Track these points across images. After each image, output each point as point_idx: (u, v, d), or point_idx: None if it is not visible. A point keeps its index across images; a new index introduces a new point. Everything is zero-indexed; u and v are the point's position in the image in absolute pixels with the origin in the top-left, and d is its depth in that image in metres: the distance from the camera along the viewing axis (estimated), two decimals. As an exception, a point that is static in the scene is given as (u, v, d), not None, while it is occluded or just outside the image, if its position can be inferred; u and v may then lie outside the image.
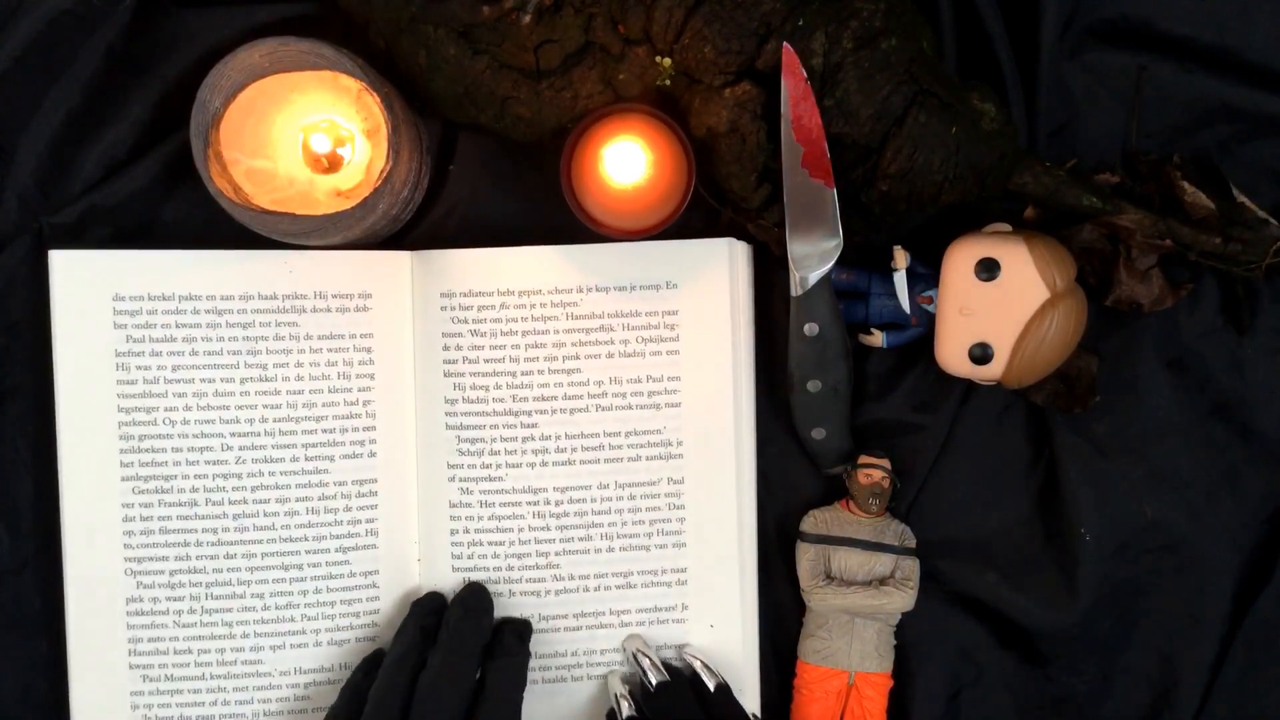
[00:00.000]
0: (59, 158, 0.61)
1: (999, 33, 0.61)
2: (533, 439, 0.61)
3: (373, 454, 0.61)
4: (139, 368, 0.59)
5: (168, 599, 0.60)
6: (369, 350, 0.61)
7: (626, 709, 0.59)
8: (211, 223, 0.61)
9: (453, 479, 0.61)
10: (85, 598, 0.59)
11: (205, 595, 0.60)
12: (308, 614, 0.60)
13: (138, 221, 0.62)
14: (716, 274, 0.61)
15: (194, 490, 0.60)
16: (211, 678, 0.60)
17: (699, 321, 0.61)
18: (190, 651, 0.60)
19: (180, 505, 0.60)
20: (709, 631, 0.62)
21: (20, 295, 0.62)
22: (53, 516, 0.61)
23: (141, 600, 0.60)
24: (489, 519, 0.61)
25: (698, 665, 0.61)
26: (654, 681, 0.59)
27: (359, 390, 0.61)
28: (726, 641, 0.62)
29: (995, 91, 0.59)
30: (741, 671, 0.62)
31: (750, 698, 0.62)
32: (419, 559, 0.62)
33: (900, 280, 0.61)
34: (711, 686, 0.59)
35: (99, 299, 0.59)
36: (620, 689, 0.61)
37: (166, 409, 0.59)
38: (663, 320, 0.61)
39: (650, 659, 0.60)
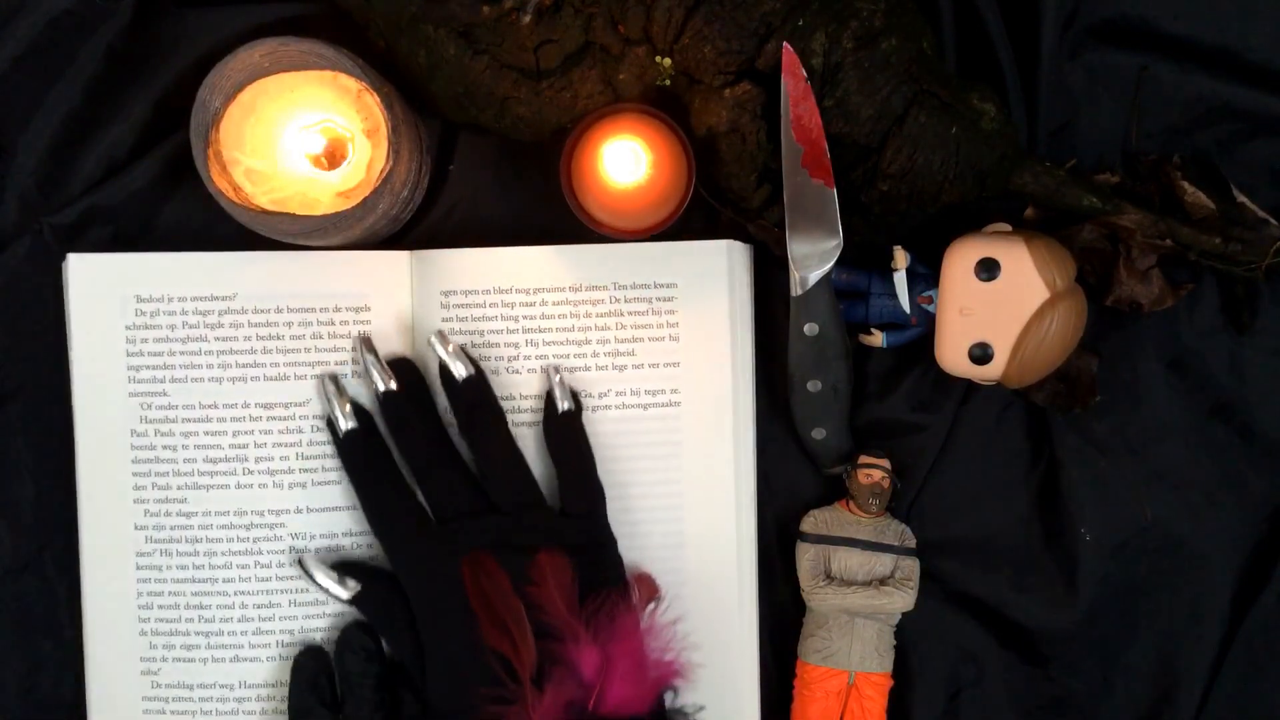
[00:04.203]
0: (59, 158, 0.61)
1: (999, 33, 0.61)
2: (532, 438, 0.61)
3: None
4: (148, 367, 0.60)
5: (175, 581, 0.60)
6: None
7: (346, 421, 0.58)
8: (211, 223, 0.61)
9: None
10: (100, 580, 0.60)
11: (214, 578, 0.60)
12: (300, 586, 0.60)
13: (138, 221, 0.62)
14: (715, 277, 0.61)
15: (198, 477, 0.60)
16: (219, 645, 0.60)
17: (698, 325, 0.61)
18: (200, 633, 0.60)
19: (186, 487, 0.60)
20: (707, 634, 0.61)
21: (21, 296, 0.62)
22: (55, 516, 0.61)
23: (149, 581, 0.60)
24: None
25: (445, 354, 0.59)
26: (381, 389, 0.59)
27: (359, 388, 0.61)
28: (725, 643, 0.62)
29: (995, 91, 0.59)
30: (741, 672, 0.62)
31: (750, 697, 0.62)
32: None
33: (900, 280, 0.61)
34: (460, 374, 0.59)
35: (111, 300, 0.60)
36: (335, 396, 0.59)
37: (170, 405, 0.60)
38: (664, 321, 0.61)
39: (377, 361, 0.59)
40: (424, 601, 0.57)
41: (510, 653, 0.54)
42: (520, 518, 0.58)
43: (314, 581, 0.58)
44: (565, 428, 0.60)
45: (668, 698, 0.56)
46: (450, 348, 0.59)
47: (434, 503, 0.58)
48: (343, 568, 0.59)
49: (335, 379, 0.60)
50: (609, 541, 0.59)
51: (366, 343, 0.60)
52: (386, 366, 0.59)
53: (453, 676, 0.56)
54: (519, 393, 0.61)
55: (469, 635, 0.55)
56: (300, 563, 0.59)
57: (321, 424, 0.60)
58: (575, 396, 0.60)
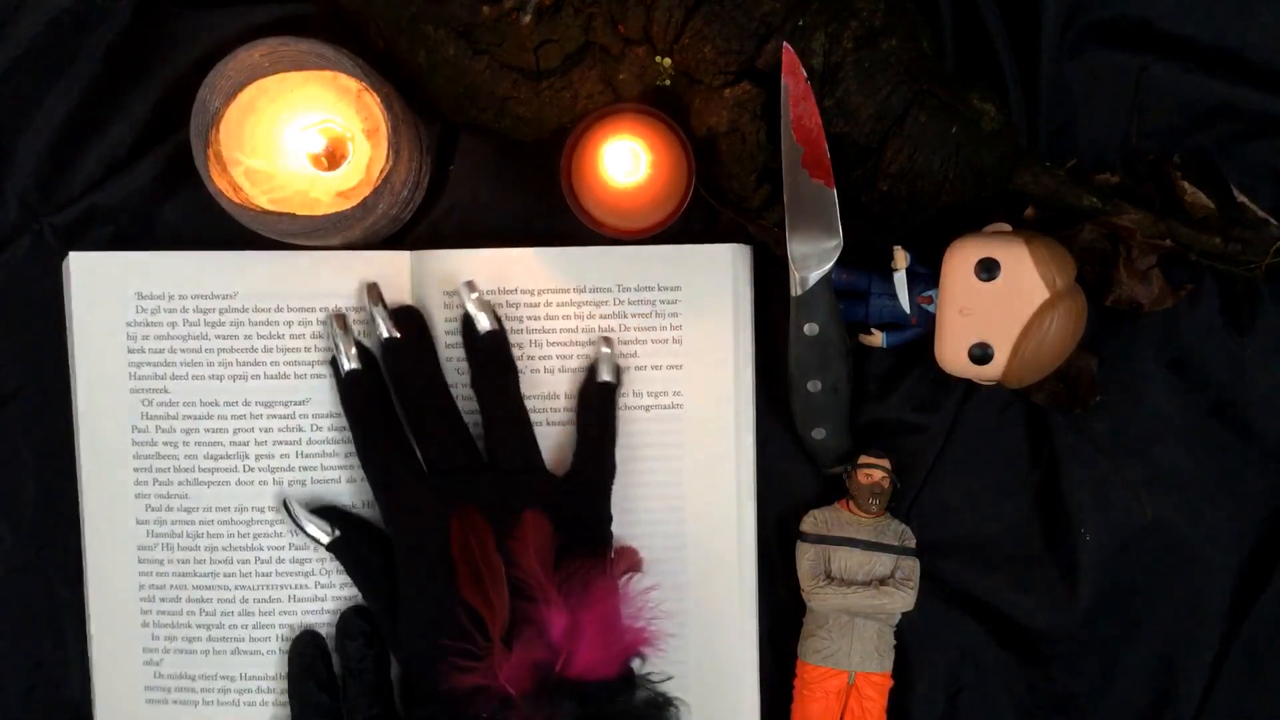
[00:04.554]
0: (59, 158, 0.61)
1: (999, 33, 0.61)
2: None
3: None
4: (149, 364, 0.60)
5: (176, 574, 0.60)
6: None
7: (350, 362, 0.59)
8: (211, 223, 0.61)
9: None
10: (102, 572, 0.60)
11: (214, 573, 0.60)
12: (300, 582, 0.61)
13: (138, 221, 0.62)
14: (719, 281, 0.61)
15: (199, 473, 0.60)
16: (220, 638, 0.61)
17: (701, 328, 0.61)
18: (201, 625, 0.61)
19: (187, 482, 0.60)
20: (707, 634, 0.62)
21: (21, 296, 0.62)
22: (56, 516, 0.61)
23: (151, 575, 0.60)
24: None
25: (470, 304, 0.59)
26: (385, 336, 0.59)
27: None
28: (725, 643, 0.62)
29: (995, 91, 0.59)
30: (741, 672, 0.62)
31: (750, 697, 0.62)
32: None
33: (900, 280, 0.61)
34: (484, 327, 0.59)
35: (112, 297, 0.60)
36: (341, 337, 0.59)
37: (171, 402, 0.60)
38: (668, 324, 0.61)
39: (383, 309, 0.59)
40: (406, 548, 0.57)
41: (484, 609, 0.54)
42: (516, 479, 0.58)
43: (298, 526, 0.59)
44: (599, 396, 0.60)
45: (636, 664, 0.56)
46: (475, 298, 0.59)
47: (428, 454, 0.58)
48: (322, 513, 0.59)
49: (343, 319, 0.60)
50: (605, 518, 0.60)
51: (373, 291, 0.60)
52: (391, 315, 0.59)
53: (425, 627, 0.56)
54: (522, 393, 0.61)
55: (446, 587, 0.55)
56: (285, 505, 0.59)
57: (321, 423, 0.60)
58: (618, 372, 0.61)
